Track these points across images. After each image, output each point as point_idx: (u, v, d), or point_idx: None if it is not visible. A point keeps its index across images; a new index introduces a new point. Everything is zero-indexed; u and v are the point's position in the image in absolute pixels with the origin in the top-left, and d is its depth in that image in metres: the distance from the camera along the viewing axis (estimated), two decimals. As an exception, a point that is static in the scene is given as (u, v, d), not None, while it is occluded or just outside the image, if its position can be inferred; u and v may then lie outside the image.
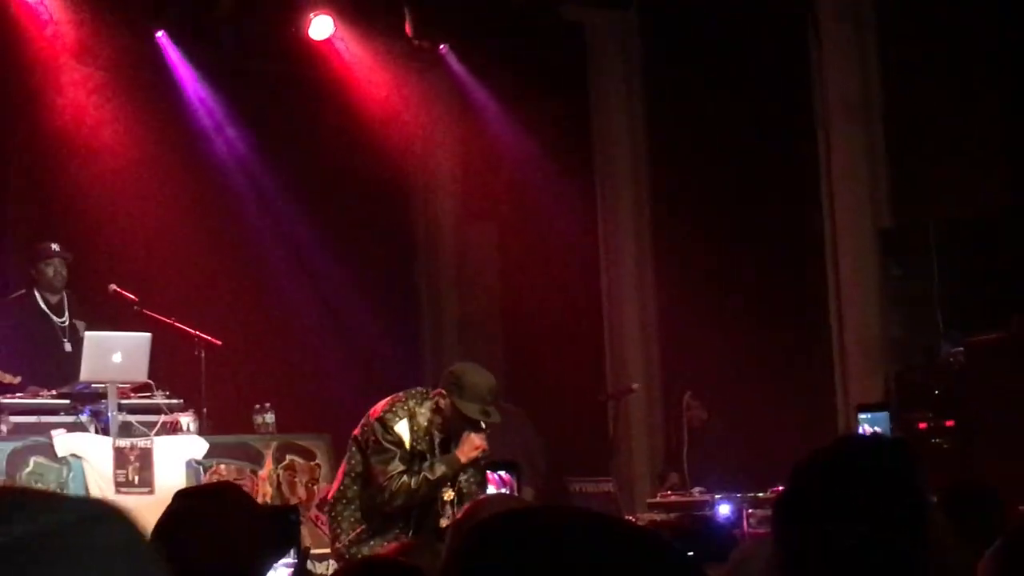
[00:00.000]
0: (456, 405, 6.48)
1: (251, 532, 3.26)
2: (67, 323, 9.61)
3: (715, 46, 11.43)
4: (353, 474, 6.69)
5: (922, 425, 9.08)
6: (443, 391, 6.54)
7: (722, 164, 11.45)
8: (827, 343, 10.57)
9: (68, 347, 9.47)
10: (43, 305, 9.63)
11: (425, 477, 6.50)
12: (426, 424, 6.55)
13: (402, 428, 6.53)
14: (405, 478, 6.48)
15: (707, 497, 9.16)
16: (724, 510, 8.86)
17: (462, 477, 6.63)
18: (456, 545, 1.58)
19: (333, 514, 6.75)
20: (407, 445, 6.52)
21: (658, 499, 9.81)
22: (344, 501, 6.70)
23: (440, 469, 6.51)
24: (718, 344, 10.87)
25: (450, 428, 6.56)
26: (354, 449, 6.71)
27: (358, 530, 6.64)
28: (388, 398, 6.68)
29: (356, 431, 6.73)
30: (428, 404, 6.58)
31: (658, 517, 8.76)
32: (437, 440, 6.59)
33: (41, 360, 9.41)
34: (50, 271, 9.61)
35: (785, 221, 11.09)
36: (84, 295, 9.94)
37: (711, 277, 11.38)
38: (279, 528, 3.83)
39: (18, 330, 9.51)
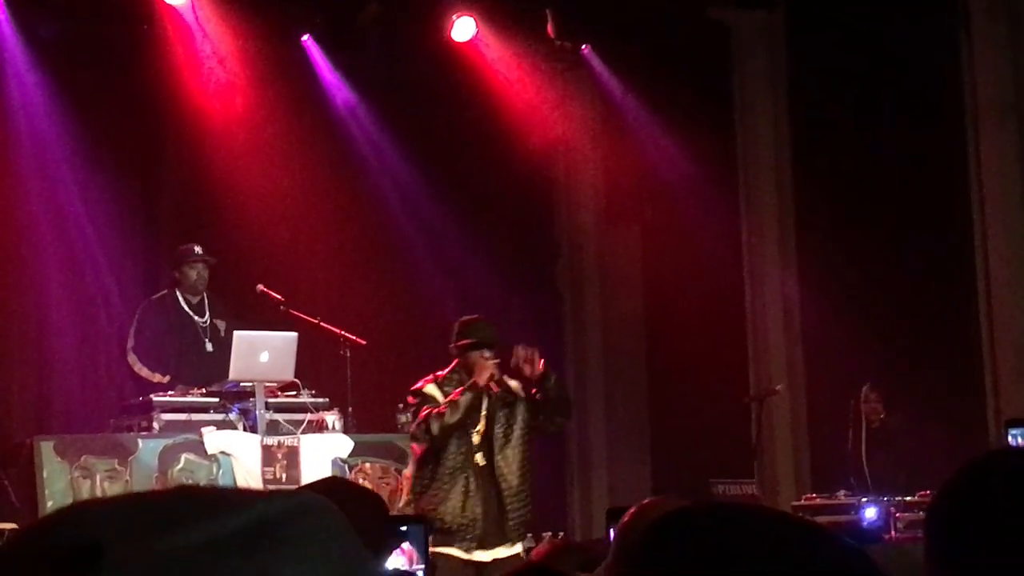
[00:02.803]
0: (462, 342, 7.52)
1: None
2: (208, 323, 9.79)
3: (862, 46, 11.26)
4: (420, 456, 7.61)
5: (1076, 430, 8.84)
6: (452, 344, 7.60)
7: (868, 165, 11.28)
8: (977, 346, 10.36)
9: (209, 347, 9.66)
10: (184, 306, 9.83)
11: (451, 402, 7.36)
12: (456, 383, 7.47)
13: (430, 389, 7.50)
14: (439, 412, 7.36)
15: (852, 500, 9.02)
16: (870, 514, 8.72)
17: (496, 426, 7.52)
18: (637, 542, 1.59)
19: (414, 486, 7.66)
20: (439, 398, 7.43)
21: (802, 501, 9.69)
22: (417, 476, 7.61)
23: (464, 395, 7.38)
24: (864, 346, 10.70)
25: (470, 372, 7.48)
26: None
27: (428, 491, 7.49)
28: None
29: None
30: (451, 374, 7.56)
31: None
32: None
33: (183, 359, 9.61)
34: (193, 274, 9.81)
35: (934, 222, 10.89)
36: (231, 295, 10.12)
37: (856, 279, 11.21)
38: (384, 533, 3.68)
39: (163, 329, 9.73)
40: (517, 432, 7.59)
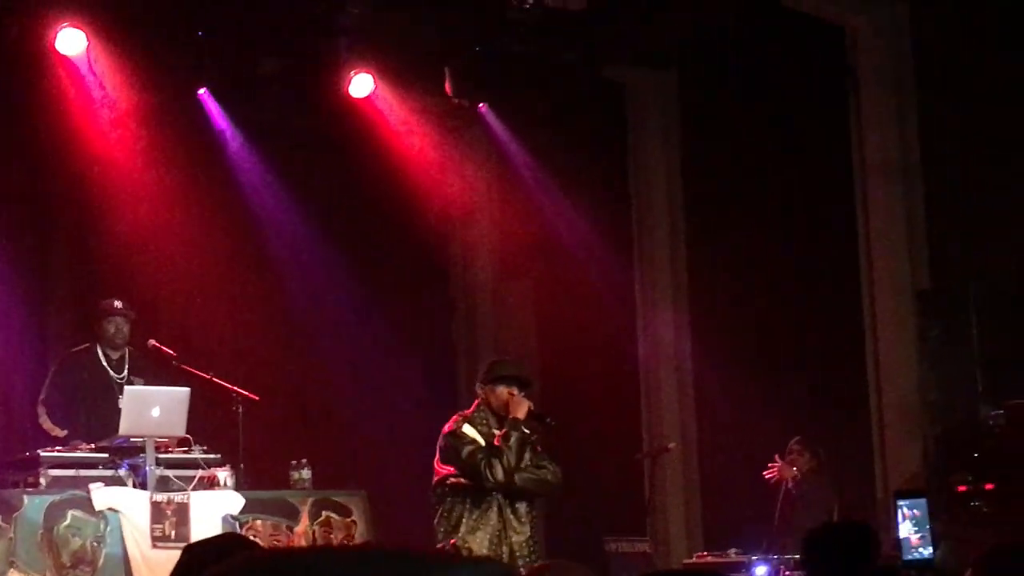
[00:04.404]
0: (489, 382, 7.52)
1: None
2: (125, 380, 9.67)
3: (754, 106, 11.45)
4: (445, 503, 7.46)
5: (961, 488, 9.00)
6: (478, 386, 7.61)
7: (759, 224, 11.44)
8: (865, 405, 10.50)
9: (122, 404, 9.50)
10: (104, 361, 9.72)
11: (505, 446, 7.32)
12: (484, 422, 7.45)
13: (468, 430, 7.42)
14: (495, 456, 7.31)
15: (743, 558, 9.08)
16: (760, 572, 8.79)
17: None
18: None
19: (447, 521, 7.48)
20: (481, 441, 7.38)
21: (694, 559, 9.74)
22: (444, 517, 7.46)
23: (511, 435, 7.35)
24: (755, 404, 10.82)
25: (498, 412, 7.46)
26: (438, 491, 7.51)
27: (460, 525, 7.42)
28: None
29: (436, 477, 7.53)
30: (476, 412, 7.52)
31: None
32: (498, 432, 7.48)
33: (94, 415, 9.47)
34: (111, 328, 9.71)
35: (822, 282, 11.05)
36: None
37: (748, 336, 11.35)
38: None
39: (76, 384, 9.60)
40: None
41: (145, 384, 9.44)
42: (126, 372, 9.74)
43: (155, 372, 9.75)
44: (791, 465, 9.76)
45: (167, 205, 11.61)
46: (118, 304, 9.79)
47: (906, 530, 6.06)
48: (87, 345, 9.80)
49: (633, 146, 12.58)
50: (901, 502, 6.13)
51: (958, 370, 9.76)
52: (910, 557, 6.03)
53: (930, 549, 6.00)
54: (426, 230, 13.05)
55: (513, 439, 7.36)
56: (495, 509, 7.44)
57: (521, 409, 7.46)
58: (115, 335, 9.73)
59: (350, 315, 12.58)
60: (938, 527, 6.37)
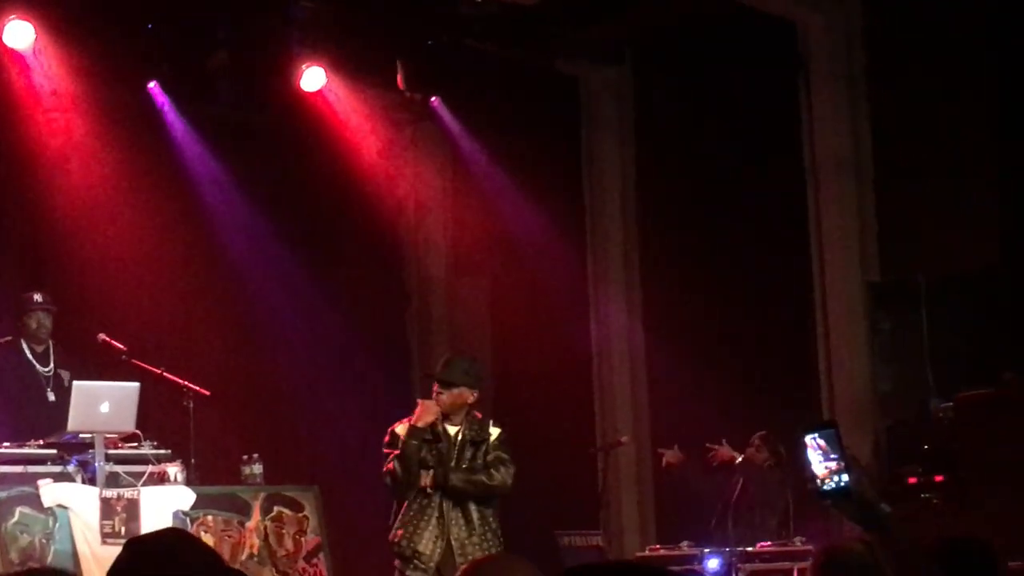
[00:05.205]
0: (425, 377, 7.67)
1: None
2: (52, 373, 9.58)
3: (708, 102, 11.48)
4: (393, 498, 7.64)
5: (912, 480, 9.06)
6: None
7: (713, 218, 11.47)
8: (816, 397, 10.55)
9: (52, 397, 9.44)
10: (28, 354, 9.62)
11: (397, 456, 7.45)
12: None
13: (400, 429, 7.53)
14: (397, 463, 7.44)
15: (695, 551, 9.09)
16: (713, 564, 8.81)
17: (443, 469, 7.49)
18: None
19: (392, 521, 7.62)
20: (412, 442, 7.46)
21: (647, 552, 9.75)
22: (394, 512, 7.60)
23: (409, 444, 7.44)
24: (707, 398, 10.84)
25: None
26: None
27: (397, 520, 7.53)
28: None
29: None
30: None
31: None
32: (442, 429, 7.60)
33: (24, 409, 9.37)
34: (33, 323, 9.59)
35: (775, 275, 11.09)
36: (73, 344, 9.91)
37: (700, 331, 11.37)
38: None
39: (2, 377, 9.49)
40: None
41: (72, 377, 9.34)
42: (52, 365, 9.64)
43: (84, 364, 9.65)
44: (750, 459, 9.74)
45: (117, 199, 11.52)
46: (38, 298, 9.67)
47: (816, 462, 5.96)
48: (10, 338, 9.68)
49: (586, 140, 12.58)
50: (808, 436, 6.01)
51: (908, 363, 9.82)
52: (827, 487, 5.94)
53: (845, 477, 5.90)
54: (380, 225, 13.01)
55: (407, 449, 7.45)
56: (434, 507, 7.47)
57: (423, 417, 7.51)
58: (37, 329, 9.62)
59: (303, 309, 12.52)
60: (849, 453, 6.27)
